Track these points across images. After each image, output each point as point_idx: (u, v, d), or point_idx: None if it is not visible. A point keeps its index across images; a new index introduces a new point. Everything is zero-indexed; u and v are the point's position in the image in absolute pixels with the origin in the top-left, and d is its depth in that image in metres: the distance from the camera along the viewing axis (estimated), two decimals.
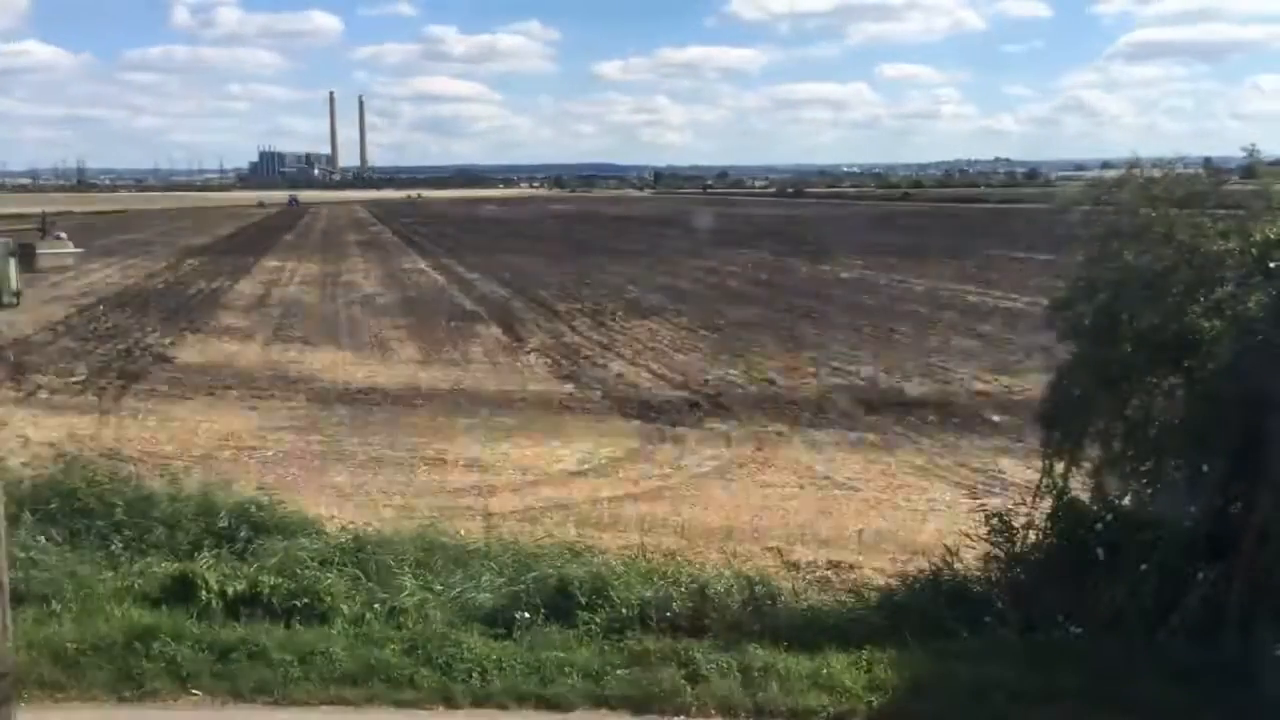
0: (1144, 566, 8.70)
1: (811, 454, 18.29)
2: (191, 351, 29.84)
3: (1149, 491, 9.36)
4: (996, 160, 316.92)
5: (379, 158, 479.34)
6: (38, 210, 67.01)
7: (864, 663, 8.53)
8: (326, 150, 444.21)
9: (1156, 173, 9.91)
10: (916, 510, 14.95)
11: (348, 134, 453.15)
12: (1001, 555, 9.94)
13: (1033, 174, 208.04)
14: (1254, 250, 8.83)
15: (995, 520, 10.23)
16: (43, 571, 9.57)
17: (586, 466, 17.46)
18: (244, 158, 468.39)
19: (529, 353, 29.94)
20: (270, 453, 18.04)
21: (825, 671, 8.38)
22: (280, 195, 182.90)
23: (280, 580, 9.39)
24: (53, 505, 10.84)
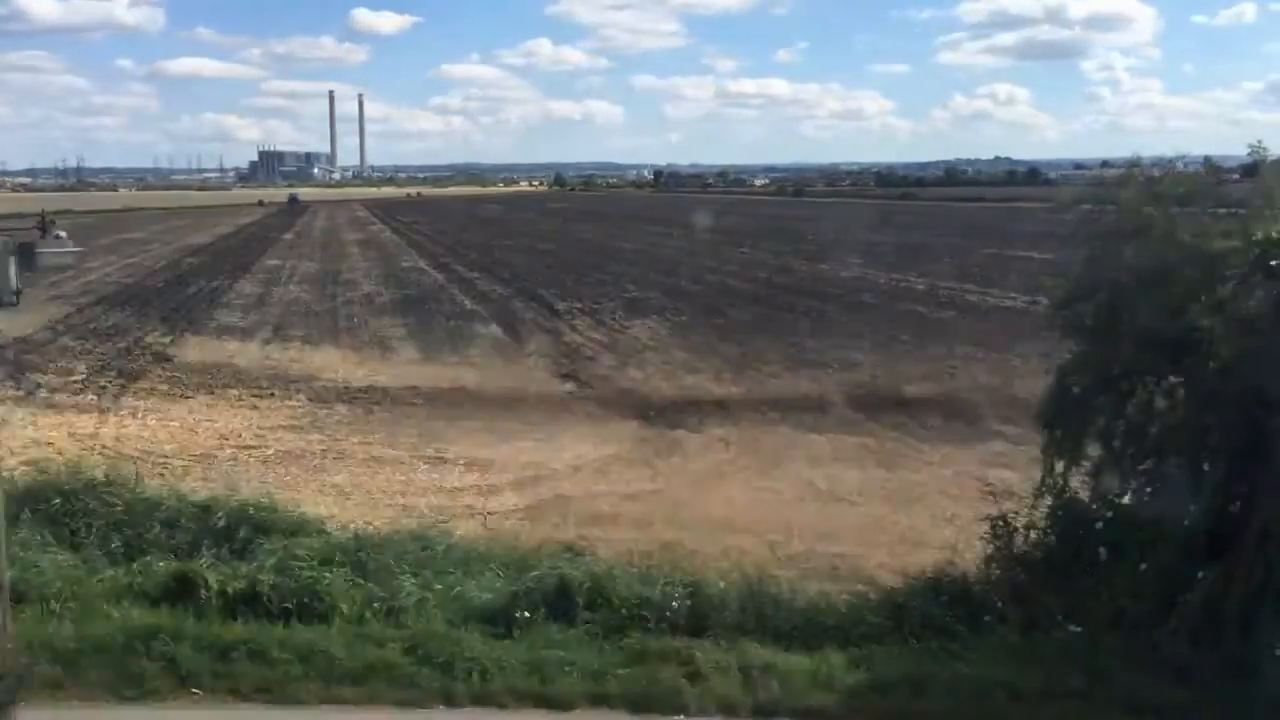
0: (1144, 566, 8.71)
1: (811, 453, 18.30)
2: (191, 350, 29.83)
3: (1149, 491, 9.36)
4: (996, 159, 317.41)
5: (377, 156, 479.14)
6: (37, 209, 66.95)
7: (864, 662, 8.54)
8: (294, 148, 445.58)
9: (1158, 172, 9.91)
10: (916, 510, 14.96)
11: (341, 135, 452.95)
12: (1002, 555, 9.94)
13: (1033, 173, 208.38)
14: (1255, 249, 8.82)
15: (995, 520, 10.23)
16: (42, 571, 9.56)
17: (586, 466, 17.46)
18: (244, 157, 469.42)
19: (529, 352, 29.94)
20: (270, 452, 18.04)
21: (825, 670, 8.38)
22: (280, 195, 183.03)
23: (280, 579, 9.38)
24: (53, 505, 10.82)
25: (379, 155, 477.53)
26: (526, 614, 9.09)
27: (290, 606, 9.12)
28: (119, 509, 10.90)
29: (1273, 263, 8.67)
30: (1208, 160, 11.26)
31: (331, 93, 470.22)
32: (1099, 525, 9.32)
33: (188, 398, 23.02)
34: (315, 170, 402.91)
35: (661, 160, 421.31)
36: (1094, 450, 9.79)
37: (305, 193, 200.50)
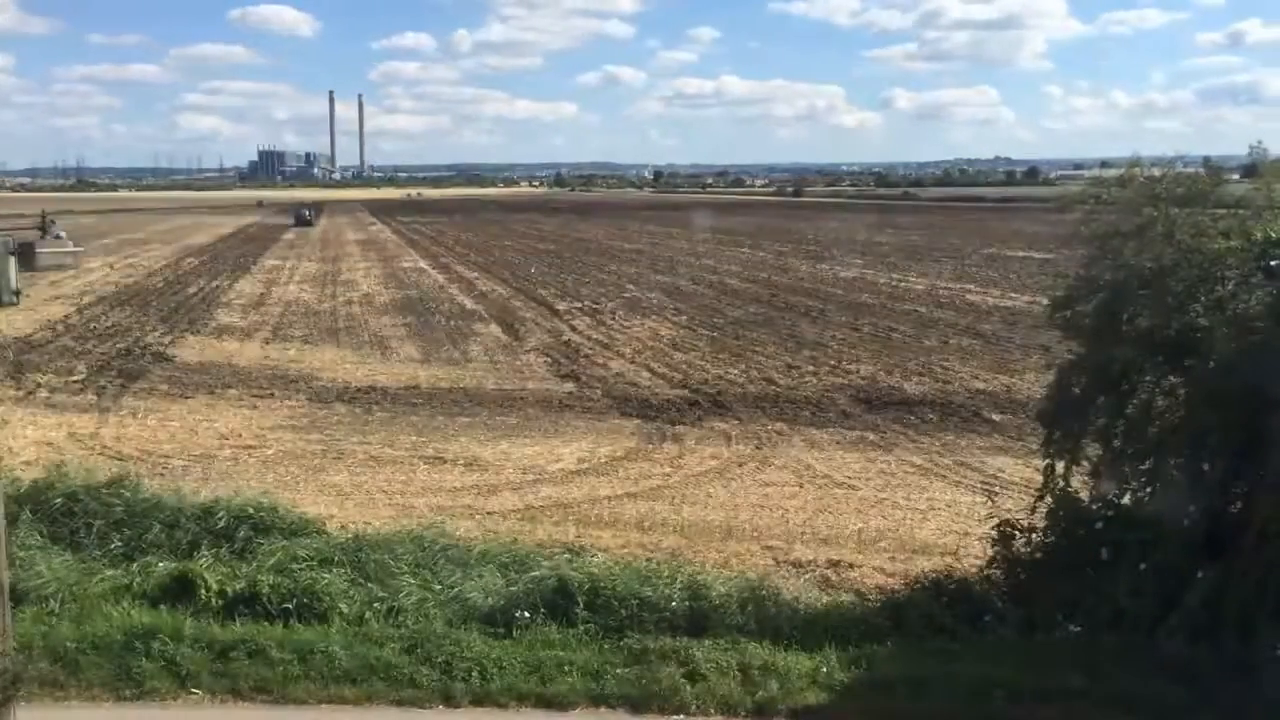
0: (1144, 566, 8.71)
1: (811, 453, 18.28)
2: (191, 350, 29.80)
3: (1149, 491, 9.36)
4: (996, 159, 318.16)
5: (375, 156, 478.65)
6: (37, 209, 67.00)
7: (864, 662, 8.54)
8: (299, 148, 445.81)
9: (1157, 171, 9.92)
10: (916, 509, 14.93)
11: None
12: (1002, 555, 9.95)
13: (1032, 172, 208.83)
14: (1255, 249, 8.83)
15: (995, 520, 10.24)
16: (42, 571, 9.57)
17: (586, 465, 17.44)
18: (244, 157, 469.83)
19: (529, 351, 29.94)
20: (270, 452, 18.01)
21: (825, 670, 8.39)
22: (280, 196, 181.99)
23: (279, 580, 9.40)
24: (53, 505, 10.83)
25: (354, 155, 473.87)
26: (526, 614, 9.10)
27: (290, 607, 9.15)
28: (119, 509, 10.91)
29: (1273, 263, 8.68)
30: (1207, 160, 11.26)
31: (331, 93, 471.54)
32: (1099, 525, 9.33)
33: (188, 398, 22.99)
34: (315, 170, 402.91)
35: (661, 160, 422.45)
36: (1094, 450, 9.79)
37: (305, 194, 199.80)
